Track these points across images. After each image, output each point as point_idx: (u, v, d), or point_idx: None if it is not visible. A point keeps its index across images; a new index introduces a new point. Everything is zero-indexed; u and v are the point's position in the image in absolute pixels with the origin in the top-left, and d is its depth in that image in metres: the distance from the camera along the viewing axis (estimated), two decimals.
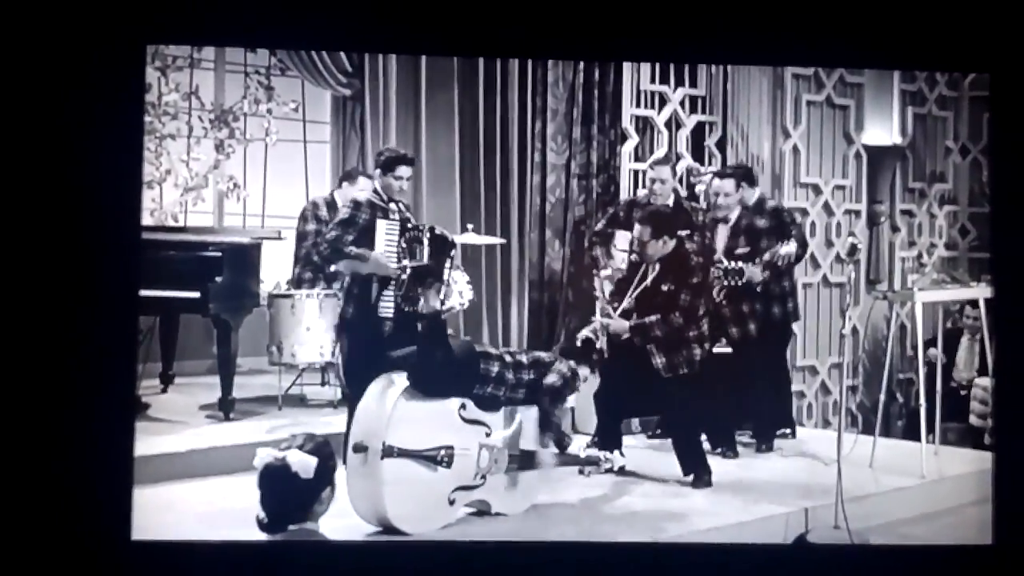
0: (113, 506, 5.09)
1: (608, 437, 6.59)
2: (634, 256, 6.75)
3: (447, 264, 6.45)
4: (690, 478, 6.46)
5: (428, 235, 6.42)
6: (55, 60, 5.16)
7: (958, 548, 5.57)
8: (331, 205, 7.77)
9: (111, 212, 5.18)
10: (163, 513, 5.49)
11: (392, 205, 6.43)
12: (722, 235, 7.24)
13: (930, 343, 7.62)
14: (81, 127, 5.16)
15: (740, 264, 6.98)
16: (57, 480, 5.06)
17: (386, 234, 6.37)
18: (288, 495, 3.70)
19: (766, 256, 7.08)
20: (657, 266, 6.52)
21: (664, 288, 6.49)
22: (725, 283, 6.95)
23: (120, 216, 5.22)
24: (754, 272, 7.02)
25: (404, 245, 6.38)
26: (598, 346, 6.46)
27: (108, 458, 5.11)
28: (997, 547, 5.38)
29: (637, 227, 6.62)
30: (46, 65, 5.15)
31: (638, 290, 6.56)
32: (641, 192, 7.98)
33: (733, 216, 7.26)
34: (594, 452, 6.19)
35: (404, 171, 6.47)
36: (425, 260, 6.37)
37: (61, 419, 5.07)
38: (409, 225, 6.45)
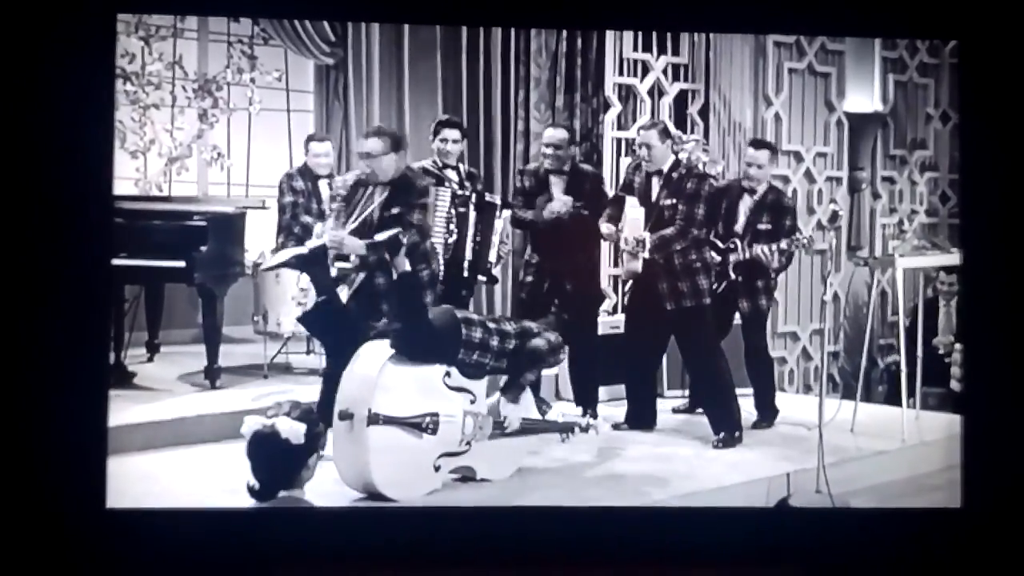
0: (88, 474, 5.11)
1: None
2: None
3: (493, 231, 6.54)
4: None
5: (475, 202, 6.42)
6: (25, 28, 5.14)
7: (930, 511, 5.64)
8: (304, 174, 7.78)
9: (82, 181, 5.18)
10: (150, 481, 5.52)
11: (449, 172, 6.45)
12: (745, 208, 7.09)
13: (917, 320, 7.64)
14: (51, 96, 5.15)
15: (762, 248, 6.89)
16: (31, 449, 5.08)
17: (437, 201, 6.38)
18: (279, 462, 3.74)
19: (783, 244, 6.94)
20: None
21: None
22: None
23: (92, 185, 5.22)
24: (772, 257, 6.92)
25: (453, 213, 6.37)
26: None
27: (82, 426, 5.13)
28: (965, 511, 5.46)
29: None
30: (15, 33, 5.13)
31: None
32: None
33: (761, 189, 7.09)
34: (572, 418, 6.22)
35: (449, 134, 6.50)
36: (470, 229, 6.37)
37: (34, 388, 5.09)
38: (458, 193, 6.43)
